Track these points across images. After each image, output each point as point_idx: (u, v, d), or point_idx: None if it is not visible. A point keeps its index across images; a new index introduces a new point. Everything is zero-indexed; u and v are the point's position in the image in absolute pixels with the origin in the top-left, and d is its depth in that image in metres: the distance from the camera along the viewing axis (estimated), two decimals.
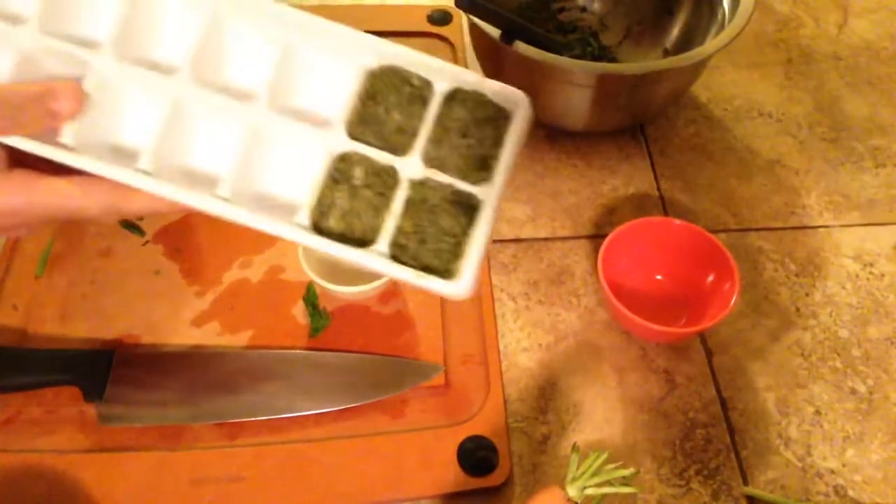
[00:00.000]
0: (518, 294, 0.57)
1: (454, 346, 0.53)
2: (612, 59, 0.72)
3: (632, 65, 0.58)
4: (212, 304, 0.55)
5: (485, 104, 0.36)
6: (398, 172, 0.36)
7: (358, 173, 0.36)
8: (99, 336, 0.53)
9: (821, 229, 0.62)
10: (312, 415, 0.49)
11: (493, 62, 0.66)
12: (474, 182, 0.36)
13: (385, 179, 0.36)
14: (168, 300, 0.55)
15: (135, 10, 0.36)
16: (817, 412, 0.52)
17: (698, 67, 0.63)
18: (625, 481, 0.43)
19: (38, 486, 0.46)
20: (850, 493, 0.48)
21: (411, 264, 0.35)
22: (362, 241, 0.35)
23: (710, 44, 0.58)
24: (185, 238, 0.58)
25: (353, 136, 0.36)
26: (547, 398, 0.52)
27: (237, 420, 0.49)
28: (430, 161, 0.36)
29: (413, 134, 0.36)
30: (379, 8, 0.77)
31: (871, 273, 0.59)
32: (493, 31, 0.58)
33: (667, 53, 0.71)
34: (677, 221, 0.55)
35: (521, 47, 0.57)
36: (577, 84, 0.59)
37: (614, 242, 0.54)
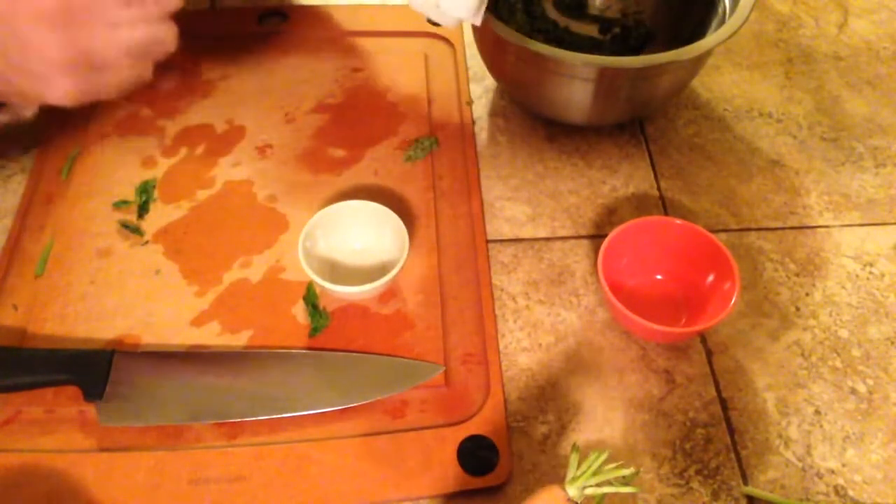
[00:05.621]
0: (518, 294, 0.57)
1: (454, 346, 0.53)
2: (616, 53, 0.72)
3: (632, 58, 0.58)
4: (212, 304, 0.55)
5: None
6: None
7: None
8: (99, 336, 0.53)
9: (821, 229, 0.62)
10: (312, 415, 0.49)
11: (496, 58, 0.66)
12: None
13: None
14: (168, 300, 0.55)
15: None
16: (817, 412, 0.52)
17: (699, 61, 0.63)
18: (625, 481, 0.43)
19: (38, 486, 0.46)
20: (850, 493, 0.48)
21: None
22: None
23: (711, 37, 0.58)
24: (185, 238, 0.58)
25: None
26: (547, 398, 0.52)
27: (237, 420, 0.49)
28: None
29: None
30: (379, 8, 0.77)
31: (871, 273, 0.59)
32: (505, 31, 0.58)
33: (667, 47, 0.71)
34: (677, 221, 0.55)
35: (526, 41, 0.56)
36: (578, 77, 0.59)
37: (614, 242, 0.54)
